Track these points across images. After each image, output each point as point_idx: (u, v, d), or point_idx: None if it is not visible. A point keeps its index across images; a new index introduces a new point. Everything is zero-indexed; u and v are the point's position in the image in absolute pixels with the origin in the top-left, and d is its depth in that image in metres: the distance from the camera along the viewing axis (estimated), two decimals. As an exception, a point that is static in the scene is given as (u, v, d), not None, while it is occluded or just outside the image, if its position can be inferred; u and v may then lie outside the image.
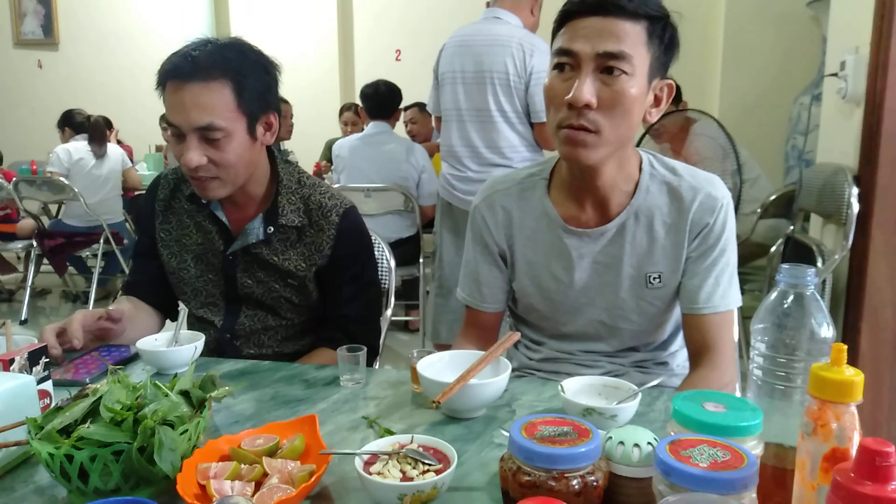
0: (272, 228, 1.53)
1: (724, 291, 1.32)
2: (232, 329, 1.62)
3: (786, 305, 0.82)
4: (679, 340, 1.50)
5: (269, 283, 1.57)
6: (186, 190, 1.58)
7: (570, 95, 1.18)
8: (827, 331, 0.81)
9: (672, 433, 0.79)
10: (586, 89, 1.17)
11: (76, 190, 4.36)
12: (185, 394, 0.98)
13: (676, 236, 1.33)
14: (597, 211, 1.35)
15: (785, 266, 0.83)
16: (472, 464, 1.00)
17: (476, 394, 1.11)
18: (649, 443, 0.79)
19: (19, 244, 4.72)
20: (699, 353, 1.34)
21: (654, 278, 1.34)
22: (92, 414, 0.91)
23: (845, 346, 0.66)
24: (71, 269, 4.97)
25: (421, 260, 3.73)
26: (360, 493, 0.92)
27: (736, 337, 1.44)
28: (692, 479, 0.68)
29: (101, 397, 0.92)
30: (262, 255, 1.55)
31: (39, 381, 1.14)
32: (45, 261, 4.74)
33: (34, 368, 1.14)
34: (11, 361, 1.11)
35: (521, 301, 1.48)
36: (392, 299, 2.04)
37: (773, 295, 0.84)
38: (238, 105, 1.40)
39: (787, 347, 0.82)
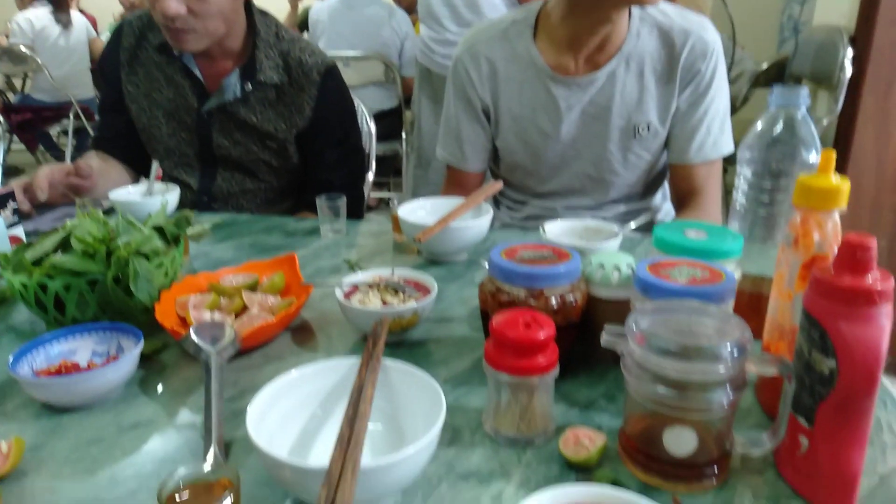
0: (250, 85, 1.45)
1: (715, 139, 1.30)
2: (208, 191, 1.58)
3: (776, 128, 0.80)
4: (662, 192, 1.49)
5: (246, 145, 1.51)
6: (155, 39, 1.47)
7: None
8: (815, 156, 0.79)
9: (652, 258, 0.79)
10: None
11: (39, 61, 4.14)
12: (159, 230, 0.96)
13: (667, 85, 1.28)
14: (586, 58, 1.29)
15: (777, 86, 0.80)
16: (452, 300, 1.00)
17: (457, 236, 1.10)
18: (629, 265, 0.78)
19: (-16, 118, 4.53)
20: (685, 199, 1.34)
21: (643, 128, 1.31)
22: (63, 247, 0.89)
23: (834, 152, 0.64)
24: (42, 148, 4.82)
25: (403, 135, 3.64)
26: (341, 325, 0.92)
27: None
28: (670, 294, 0.68)
29: (71, 232, 0.90)
30: (240, 115, 1.47)
31: (9, 226, 1.11)
32: (17, 139, 4.59)
33: (2, 213, 1.11)
34: (-22, 204, 1.08)
35: (505, 159, 1.44)
36: (373, 164, 2.00)
37: (764, 118, 0.81)
38: None
39: (772, 173, 0.80)
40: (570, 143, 1.35)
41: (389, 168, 3.91)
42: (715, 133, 1.30)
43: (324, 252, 1.21)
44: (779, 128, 0.80)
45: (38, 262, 0.87)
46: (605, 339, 0.63)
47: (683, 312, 0.63)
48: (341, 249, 1.22)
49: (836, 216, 0.64)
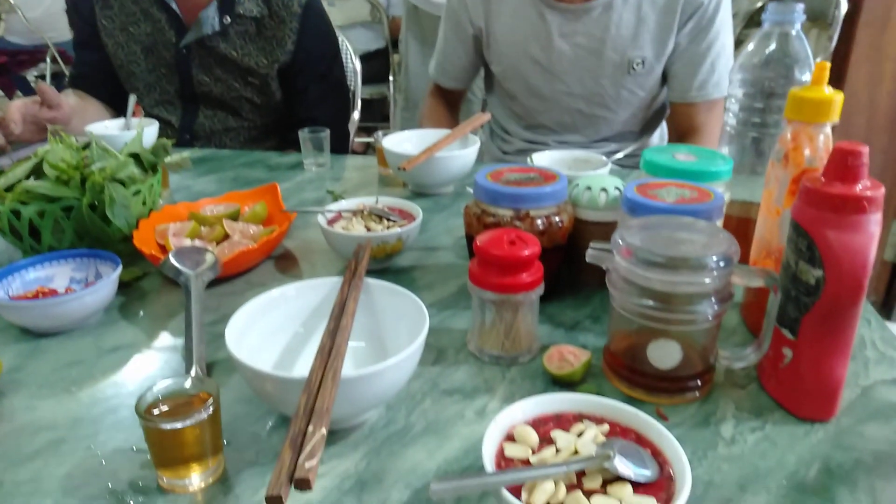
0: (228, 18, 1.40)
1: (718, 78, 1.26)
2: (190, 129, 1.54)
3: (769, 47, 0.77)
4: (660, 134, 1.46)
5: (227, 82, 1.47)
6: None
7: None
8: (808, 75, 0.77)
9: (640, 181, 0.77)
10: None
11: (12, 2, 3.98)
12: (135, 157, 0.93)
13: (666, 18, 1.24)
14: None
15: (772, 2, 0.77)
16: (438, 230, 0.99)
17: (443, 166, 1.08)
18: (616, 188, 0.77)
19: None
20: (683, 137, 1.32)
21: (638, 64, 1.28)
22: (36, 174, 0.86)
23: (828, 64, 0.62)
24: (20, 93, 4.69)
25: (391, 77, 3.56)
26: (324, 253, 0.91)
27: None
28: (657, 213, 0.67)
29: (43, 158, 0.87)
30: (219, 50, 1.42)
31: (-18, 158, 1.08)
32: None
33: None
34: (-53, 135, 1.04)
35: (497, 88, 1.41)
36: (359, 104, 1.96)
37: (757, 37, 0.79)
38: None
39: (764, 93, 0.78)
40: (561, 75, 1.32)
41: (377, 113, 3.83)
42: (719, 70, 1.26)
43: (307, 185, 1.18)
44: (772, 46, 0.77)
45: (9, 189, 0.84)
46: (591, 254, 0.63)
47: (670, 228, 0.62)
48: (325, 183, 1.20)
49: (829, 129, 0.63)
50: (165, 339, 0.72)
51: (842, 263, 0.52)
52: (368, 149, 3.98)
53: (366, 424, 0.58)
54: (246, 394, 0.62)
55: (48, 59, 4.29)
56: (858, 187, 0.52)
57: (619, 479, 0.45)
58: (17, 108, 1.26)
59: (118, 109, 1.58)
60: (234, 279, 0.84)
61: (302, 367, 0.63)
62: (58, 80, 4.49)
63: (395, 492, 0.51)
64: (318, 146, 1.25)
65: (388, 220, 0.87)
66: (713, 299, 0.58)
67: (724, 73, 1.27)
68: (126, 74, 1.51)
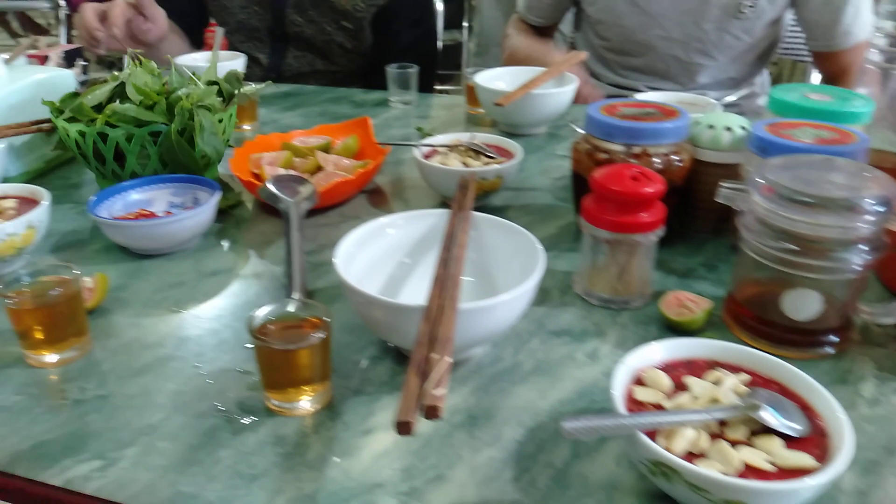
0: None
1: (865, 16, 1.14)
2: (278, 69, 1.51)
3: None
4: (761, 80, 1.36)
5: (321, 24, 1.43)
6: None
7: None
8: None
9: (768, 119, 0.71)
10: None
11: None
12: (214, 84, 0.91)
13: None
14: None
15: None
16: (534, 170, 0.95)
17: (539, 104, 1.03)
18: (742, 127, 0.71)
19: (46, 3, 4.52)
20: (829, 81, 1.22)
21: (748, 6, 1.17)
22: (117, 99, 0.85)
23: None
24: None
25: (465, 24, 3.45)
26: (417, 189, 0.88)
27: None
28: (792, 153, 0.61)
29: (122, 83, 0.85)
30: None
31: (80, 83, 1.09)
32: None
33: (72, 70, 1.08)
34: (46, 59, 1.05)
35: (587, 29, 1.33)
36: (440, 44, 1.90)
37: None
38: None
39: (919, 25, 0.70)
40: (659, 18, 1.23)
41: (450, 61, 3.75)
42: (864, 8, 1.14)
43: (393, 122, 1.15)
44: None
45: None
46: (724, 193, 0.57)
47: (816, 167, 0.56)
48: (410, 121, 1.16)
49: None
50: (263, 265, 0.71)
51: None
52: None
53: (472, 360, 0.56)
54: (347, 323, 0.60)
55: (129, 0, 4.35)
56: None
57: (765, 431, 0.41)
58: (122, 10, 1.15)
59: (197, 43, 1.56)
60: (328, 211, 0.83)
61: (408, 297, 0.61)
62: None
63: (507, 429, 0.49)
64: (404, 84, 1.22)
65: (487, 155, 0.84)
66: (865, 247, 0.52)
67: (868, 9, 1.15)
68: (218, 8, 1.49)
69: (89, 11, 1.11)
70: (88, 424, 0.49)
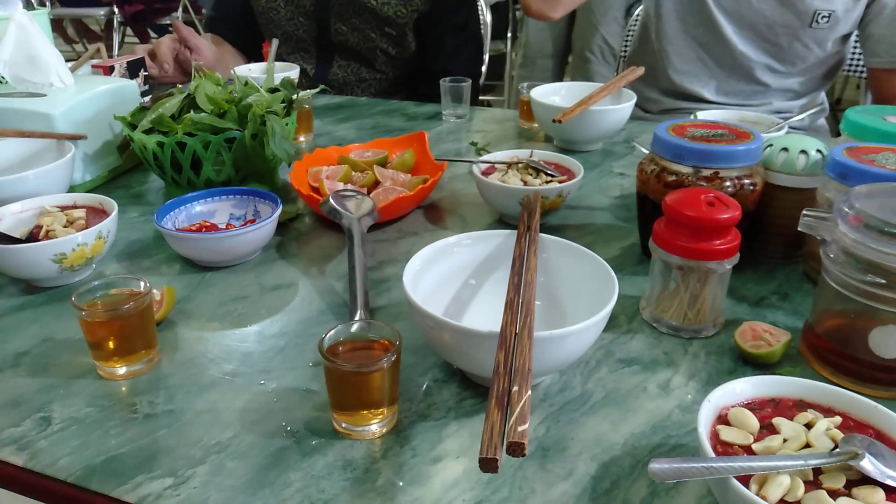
0: None
1: None
2: (324, 78, 1.53)
3: None
4: (821, 99, 1.32)
5: (364, 31, 1.45)
6: None
7: None
8: None
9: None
10: None
11: (149, -50, 4.15)
12: (276, 91, 0.92)
13: None
14: None
15: None
16: (591, 188, 0.93)
17: (597, 120, 1.01)
18: (818, 150, 0.68)
19: (101, 11, 4.65)
20: (883, 103, 1.18)
21: (823, 17, 1.14)
22: (186, 109, 0.87)
23: None
24: (155, 38, 4.93)
25: (509, 34, 3.45)
26: (474, 206, 0.88)
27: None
28: (876, 181, 0.58)
29: (189, 94, 0.87)
30: None
31: (142, 94, 1.11)
32: (130, 31, 4.70)
33: (135, 81, 1.10)
34: (112, 69, 1.07)
35: (644, 42, 1.32)
36: (486, 55, 1.90)
37: None
38: None
39: None
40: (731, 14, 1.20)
41: (492, 71, 3.74)
42: None
43: (446, 136, 1.15)
44: None
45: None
46: (805, 221, 0.55)
47: (906, 197, 0.53)
48: (463, 134, 1.16)
49: None
50: (324, 281, 0.71)
51: None
52: (483, 106, 3.91)
53: (540, 387, 0.55)
54: (410, 343, 0.60)
55: (180, 9, 4.47)
56: None
57: (864, 481, 0.39)
58: (169, 48, 1.28)
59: (250, 57, 1.60)
60: (386, 227, 0.82)
61: (473, 318, 0.60)
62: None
63: (580, 462, 0.47)
64: (457, 97, 1.21)
65: (546, 174, 0.82)
66: (962, 283, 0.49)
67: None
68: (265, 21, 1.52)
69: (140, 53, 1.19)
70: (159, 440, 0.50)
